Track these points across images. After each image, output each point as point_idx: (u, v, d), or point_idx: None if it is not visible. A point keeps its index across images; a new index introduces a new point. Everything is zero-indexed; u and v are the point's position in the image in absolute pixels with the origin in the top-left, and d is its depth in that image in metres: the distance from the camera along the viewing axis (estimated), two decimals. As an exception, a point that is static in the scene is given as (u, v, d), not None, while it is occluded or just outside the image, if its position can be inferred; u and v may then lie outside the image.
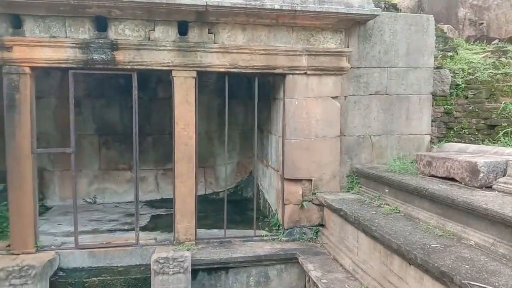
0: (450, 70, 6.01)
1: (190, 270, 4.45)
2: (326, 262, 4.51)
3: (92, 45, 4.52)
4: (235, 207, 6.60)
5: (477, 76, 5.86)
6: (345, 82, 5.34)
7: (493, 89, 5.60)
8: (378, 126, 5.54)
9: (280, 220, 5.36)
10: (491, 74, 5.78)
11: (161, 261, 4.38)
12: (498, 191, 3.62)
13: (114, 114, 7.33)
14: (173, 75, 4.77)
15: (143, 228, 5.56)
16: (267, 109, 6.18)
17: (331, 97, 5.19)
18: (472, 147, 4.87)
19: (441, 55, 6.39)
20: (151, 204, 7.21)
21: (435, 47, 5.95)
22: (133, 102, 4.80)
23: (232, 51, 4.81)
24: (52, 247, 4.76)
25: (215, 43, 4.80)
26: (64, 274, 4.55)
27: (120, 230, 5.59)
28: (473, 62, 6.30)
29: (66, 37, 4.49)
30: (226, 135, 5.23)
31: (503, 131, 5.16)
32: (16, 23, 4.40)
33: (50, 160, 7.09)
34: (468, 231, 3.33)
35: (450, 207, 3.53)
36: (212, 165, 7.82)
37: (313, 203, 5.23)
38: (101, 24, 4.55)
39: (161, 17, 4.60)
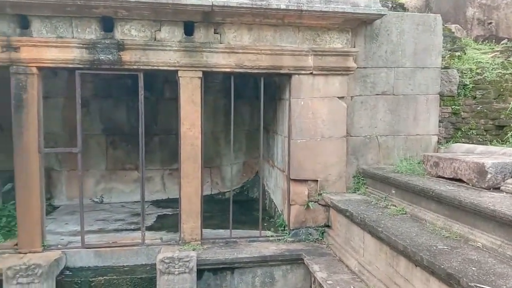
0: (458, 70, 5.96)
1: (196, 270, 4.45)
2: (331, 263, 4.49)
3: (99, 46, 4.54)
4: (241, 208, 6.59)
5: (485, 76, 5.80)
6: (352, 82, 5.31)
7: (501, 89, 5.54)
8: (384, 126, 5.51)
9: (286, 221, 5.34)
10: (500, 74, 5.72)
11: (166, 260, 4.38)
12: (506, 192, 3.57)
13: (121, 114, 7.37)
14: (179, 75, 4.78)
15: (149, 228, 5.58)
16: (273, 109, 6.17)
17: (337, 97, 5.16)
18: (480, 147, 4.82)
19: (448, 55, 6.34)
20: (157, 204, 7.23)
21: (443, 47, 5.90)
22: (139, 103, 4.81)
23: (238, 51, 4.80)
24: (59, 246, 4.79)
25: (221, 43, 4.80)
26: (70, 273, 4.58)
27: (126, 229, 5.61)
28: (481, 62, 6.24)
29: (72, 38, 4.52)
30: (232, 135, 5.23)
31: (511, 132, 5.10)
32: (24, 24, 4.44)
33: (57, 160, 7.14)
34: (476, 232, 3.29)
35: (457, 208, 3.49)
36: (218, 165, 7.82)
37: (319, 204, 5.21)
38: (107, 25, 4.57)
39: (167, 18, 4.61)
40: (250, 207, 6.77)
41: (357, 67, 5.22)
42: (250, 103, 7.43)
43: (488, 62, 6.21)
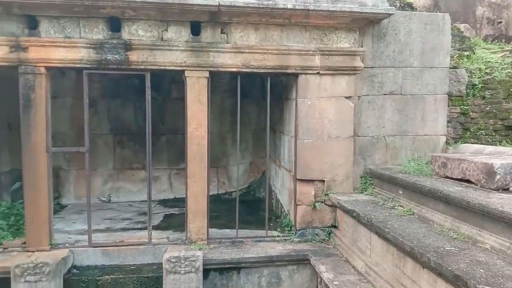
0: (466, 69, 5.90)
1: (202, 270, 4.46)
2: (338, 264, 4.47)
3: (106, 46, 4.56)
4: (247, 207, 6.59)
5: (494, 76, 5.74)
6: (359, 82, 5.29)
7: (511, 89, 5.46)
8: (392, 126, 5.47)
9: (292, 221, 5.33)
10: (510, 74, 5.65)
11: (172, 260, 4.39)
12: (515, 193, 3.53)
13: (129, 114, 7.40)
14: (185, 75, 4.78)
15: (156, 227, 5.60)
16: (279, 109, 6.16)
17: (345, 97, 5.14)
18: (489, 148, 4.77)
19: (457, 55, 6.28)
20: (164, 203, 7.25)
21: (451, 47, 5.85)
22: (146, 102, 4.83)
23: (245, 51, 4.80)
24: (66, 245, 4.83)
25: (227, 43, 4.80)
26: (77, 272, 4.61)
27: (133, 229, 5.63)
28: (490, 62, 6.18)
29: (80, 38, 4.55)
30: (238, 135, 5.22)
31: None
32: (32, 24, 4.47)
33: (65, 159, 7.19)
34: (484, 234, 3.25)
35: (465, 209, 3.46)
36: (225, 165, 7.83)
37: (326, 204, 5.19)
38: (114, 25, 4.59)
39: (174, 18, 4.62)
40: (257, 207, 6.77)
41: (365, 67, 5.20)
42: (257, 103, 7.42)
43: (497, 62, 6.14)
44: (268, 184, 6.13)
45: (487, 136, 5.53)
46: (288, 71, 4.97)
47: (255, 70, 4.89)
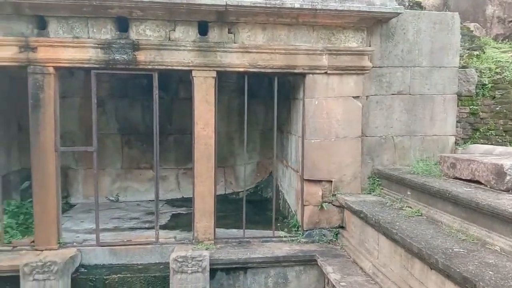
0: (476, 69, 5.83)
1: (209, 270, 4.46)
2: (345, 265, 4.44)
3: (114, 45, 4.58)
4: (254, 207, 6.59)
5: (505, 76, 5.67)
6: (367, 81, 5.25)
7: (522, 89, 5.41)
8: (400, 126, 5.43)
9: (300, 221, 5.31)
10: (520, 73, 5.59)
11: (179, 259, 4.40)
12: (526, 194, 3.49)
13: (137, 114, 7.43)
14: (193, 75, 4.79)
15: (164, 227, 5.61)
16: (287, 109, 6.14)
17: (352, 97, 5.11)
18: (499, 149, 4.71)
19: (467, 54, 6.21)
20: (172, 203, 7.27)
21: (461, 46, 5.79)
22: (153, 102, 4.84)
23: (252, 50, 4.79)
24: (74, 244, 4.86)
25: (234, 42, 4.79)
26: (85, 270, 4.64)
27: (141, 228, 5.65)
28: (501, 61, 6.10)
29: (88, 38, 4.57)
30: (245, 135, 5.22)
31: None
32: (41, 24, 4.51)
33: (74, 159, 7.24)
34: (493, 236, 3.21)
35: (474, 210, 3.42)
36: (232, 165, 7.83)
37: (333, 205, 5.16)
38: (122, 25, 4.61)
39: (181, 17, 4.63)
40: (264, 207, 6.76)
41: (373, 67, 5.16)
42: (264, 103, 7.41)
43: (508, 61, 6.06)
44: (275, 184, 6.12)
45: (497, 137, 5.47)
46: (296, 71, 4.95)
47: (263, 70, 4.88)
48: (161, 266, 4.71)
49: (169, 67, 4.74)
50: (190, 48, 4.70)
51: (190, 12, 4.53)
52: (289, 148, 6.19)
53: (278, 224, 5.52)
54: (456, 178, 4.26)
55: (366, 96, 5.30)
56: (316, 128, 5.06)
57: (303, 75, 5.02)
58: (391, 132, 5.40)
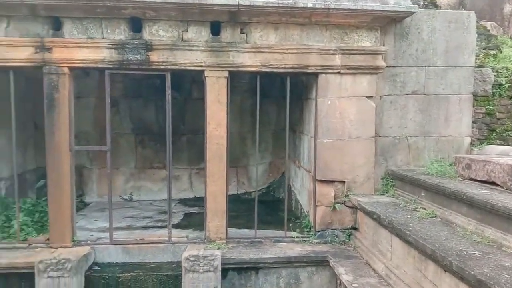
0: (492, 69, 5.72)
1: (220, 269, 4.47)
2: (358, 266, 4.41)
3: (127, 46, 4.63)
4: (266, 208, 6.57)
5: (522, 75, 5.56)
6: (381, 81, 5.20)
7: (540, 89, 5.29)
8: (415, 127, 5.36)
9: (312, 222, 5.28)
10: (539, 73, 5.47)
11: (191, 258, 4.42)
12: (544, 196, 3.41)
13: (150, 114, 7.49)
14: (205, 75, 4.81)
15: (176, 226, 5.64)
16: (299, 109, 6.12)
17: (366, 97, 5.06)
18: (515, 149, 4.62)
19: (483, 54, 6.10)
20: (184, 202, 7.31)
21: (477, 45, 5.69)
22: (166, 102, 4.87)
23: (264, 50, 4.79)
24: (88, 242, 4.91)
25: (247, 42, 4.80)
26: (99, 268, 4.69)
27: (153, 227, 5.69)
28: (518, 61, 5.98)
29: (102, 38, 4.62)
30: (257, 135, 5.21)
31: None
32: (56, 25, 4.58)
33: (88, 158, 7.33)
34: (509, 238, 3.15)
35: (490, 212, 3.35)
36: (245, 165, 7.83)
37: (346, 206, 5.12)
38: (136, 25, 4.65)
39: (194, 18, 4.65)
40: (276, 208, 6.74)
41: (386, 66, 5.11)
42: (276, 103, 7.40)
43: (526, 61, 5.95)
44: (287, 185, 6.10)
45: (514, 137, 5.37)
46: (308, 70, 4.93)
47: (275, 70, 4.87)
48: (173, 265, 4.73)
49: (182, 67, 4.76)
50: (203, 48, 4.71)
51: (202, 12, 4.55)
52: (301, 148, 6.17)
53: (290, 225, 5.50)
54: (471, 179, 4.19)
55: (380, 96, 5.25)
56: (329, 128, 5.03)
57: (315, 74, 4.99)
58: (405, 132, 5.34)
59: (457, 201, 3.82)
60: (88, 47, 4.59)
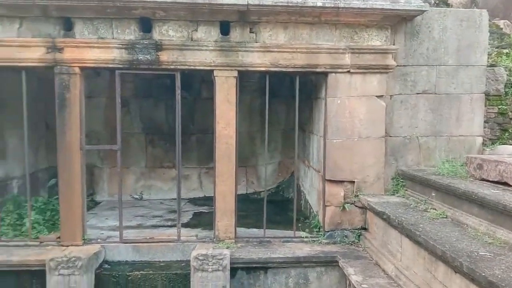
0: (505, 68, 5.66)
1: (229, 268, 4.48)
2: (367, 267, 4.38)
3: (137, 46, 4.66)
4: (275, 207, 6.57)
5: (536, 75, 5.48)
6: (391, 80, 5.16)
7: (554, 88, 5.21)
8: (425, 126, 5.31)
9: (321, 222, 5.26)
10: (552, 72, 5.39)
11: (200, 258, 4.43)
12: (557, 197, 3.35)
13: (160, 113, 7.54)
14: (214, 75, 4.82)
15: (186, 225, 5.67)
16: (309, 109, 6.10)
17: (376, 96, 5.03)
18: (529, 150, 4.56)
19: (495, 52, 6.04)
20: (194, 201, 7.34)
21: (489, 44, 5.63)
22: (176, 102, 4.89)
23: (273, 50, 4.78)
24: (99, 240, 4.96)
25: (256, 42, 4.79)
26: (109, 267, 4.73)
27: (163, 226, 5.73)
28: (532, 60, 5.90)
29: (113, 38, 4.66)
30: (266, 135, 5.21)
31: None
32: (67, 26, 4.63)
33: (99, 158, 7.40)
34: (522, 239, 3.11)
35: (501, 213, 3.31)
36: (254, 164, 7.83)
37: (356, 206, 5.09)
38: (145, 25, 4.68)
39: (203, 18, 4.66)
40: (285, 207, 6.73)
41: (397, 65, 5.07)
42: (286, 102, 7.39)
43: (539, 60, 5.86)
44: (296, 184, 6.08)
45: (527, 138, 5.29)
46: (318, 70, 4.91)
47: (284, 69, 4.87)
48: (182, 264, 4.76)
49: (191, 67, 4.78)
50: (212, 48, 4.72)
51: (212, 12, 4.56)
52: (311, 148, 6.15)
53: (299, 225, 5.49)
54: (483, 179, 4.14)
55: (390, 96, 5.21)
56: (339, 127, 5.01)
57: (325, 74, 4.97)
58: (416, 132, 5.29)
59: (468, 201, 3.78)
60: (98, 47, 4.63)
